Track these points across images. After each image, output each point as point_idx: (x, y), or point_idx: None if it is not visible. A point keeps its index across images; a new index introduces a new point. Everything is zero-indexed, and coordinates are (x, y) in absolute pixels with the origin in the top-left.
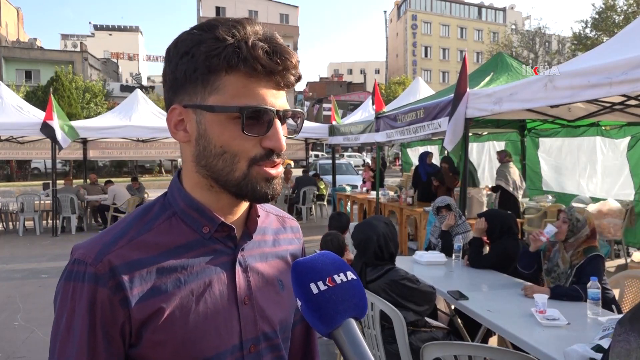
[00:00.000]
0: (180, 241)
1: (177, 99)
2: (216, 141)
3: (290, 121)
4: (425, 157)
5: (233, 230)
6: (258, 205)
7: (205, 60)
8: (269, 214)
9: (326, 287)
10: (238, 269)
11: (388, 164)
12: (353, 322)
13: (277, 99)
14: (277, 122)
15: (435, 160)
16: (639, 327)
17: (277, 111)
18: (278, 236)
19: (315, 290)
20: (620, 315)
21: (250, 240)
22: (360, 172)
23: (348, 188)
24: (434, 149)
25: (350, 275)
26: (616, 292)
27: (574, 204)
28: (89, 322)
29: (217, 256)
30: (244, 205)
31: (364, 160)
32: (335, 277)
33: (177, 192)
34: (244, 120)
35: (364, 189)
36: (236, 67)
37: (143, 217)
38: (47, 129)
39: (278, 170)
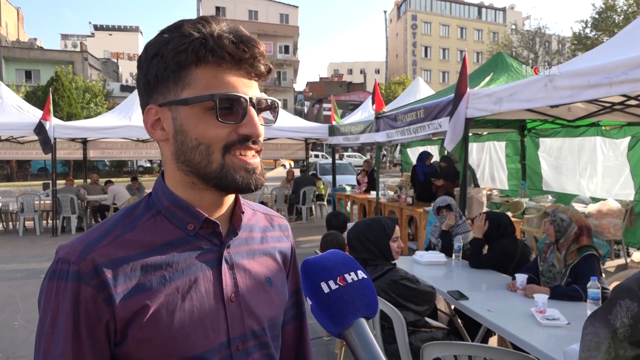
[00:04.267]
0: (165, 239)
1: (151, 100)
2: (192, 134)
3: (266, 114)
4: (425, 157)
5: (218, 226)
6: (245, 203)
7: (174, 57)
8: (256, 212)
9: (337, 286)
10: (224, 266)
11: (388, 165)
12: (364, 322)
13: (249, 88)
14: (252, 109)
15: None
16: (601, 318)
17: (251, 99)
18: (266, 234)
19: (326, 290)
20: None
21: (237, 237)
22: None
23: (348, 188)
24: (434, 149)
25: (361, 274)
26: None
27: (574, 204)
28: (73, 320)
29: (202, 253)
30: (228, 202)
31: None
32: (346, 276)
33: (161, 191)
34: (218, 108)
35: (357, 190)
36: (204, 58)
37: (128, 216)
38: (39, 129)
39: (256, 161)
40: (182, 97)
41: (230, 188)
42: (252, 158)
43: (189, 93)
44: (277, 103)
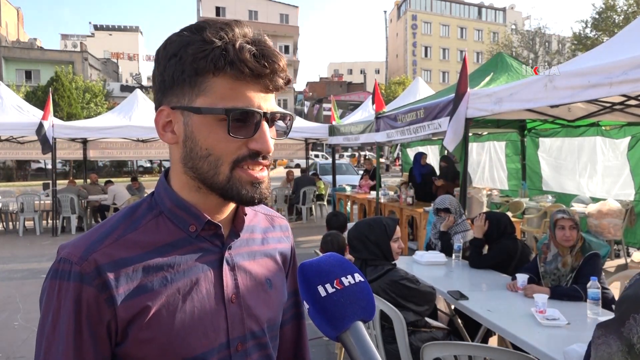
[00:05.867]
0: (166, 240)
1: (165, 100)
2: (202, 143)
3: (280, 123)
4: (419, 157)
5: (220, 228)
6: None
7: (192, 62)
8: (257, 213)
9: (334, 289)
10: (225, 268)
11: (389, 165)
12: (361, 325)
13: (265, 102)
14: (265, 124)
15: (436, 160)
16: (615, 329)
17: (265, 113)
18: (267, 235)
19: (323, 293)
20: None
21: (238, 239)
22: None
23: (348, 188)
24: (434, 149)
25: (358, 277)
26: (616, 292)
27: (574, 204)
28: (75, 320)
29: (204, 254)
30: (232, 205)
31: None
32: (343, 279)
33: (164, 192)
34: (230, 122)
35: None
36: (223, 69)
37: (130, 216)
38: (39, 129)
39: (263, 174)
40: (197, 103)
41: (234, 200)
42: (260, 172)
43: (204, 101)
44: (292, 116)
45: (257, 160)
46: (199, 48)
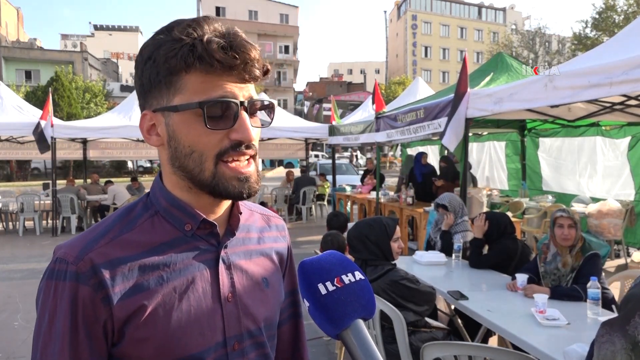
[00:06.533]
0: (162, 239)
1: (147, 104)
2: (184, 141)
3: (262, 115)
4: (420, 157)
5: (215, 227)
6: (243, 204)
7: (164, 63)
8: (253, 213)
9: (334, 287)
10: (221, 266)
11: (388, 165)
12: (362, 323)
13: (241, 91)
14: (244, 113)
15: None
16: (620, 327)
17: (242, 102)
18: (263, 234)
19: (323, 291)
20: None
21: (234, 238)
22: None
23: (348, 188)
24: (434, 149)
25: (359, 275)
26: (616, 292)
27: (574, 204)
28: (71, 320)
29: (200, 253)
30: (226, 203)
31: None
32: (344, 277)
33: (159, 192)
34: (206, 115)
35: (359, 189)
36: (193, 65)
37: (126, 216)
38: (37, 129)
39: (249, 170)
40: (174, 102)
41: (223, 196)
42: (246, 166)
43: (180, 99)
44: (273, 104)
45: (241, 150)
46: (169, 48)
